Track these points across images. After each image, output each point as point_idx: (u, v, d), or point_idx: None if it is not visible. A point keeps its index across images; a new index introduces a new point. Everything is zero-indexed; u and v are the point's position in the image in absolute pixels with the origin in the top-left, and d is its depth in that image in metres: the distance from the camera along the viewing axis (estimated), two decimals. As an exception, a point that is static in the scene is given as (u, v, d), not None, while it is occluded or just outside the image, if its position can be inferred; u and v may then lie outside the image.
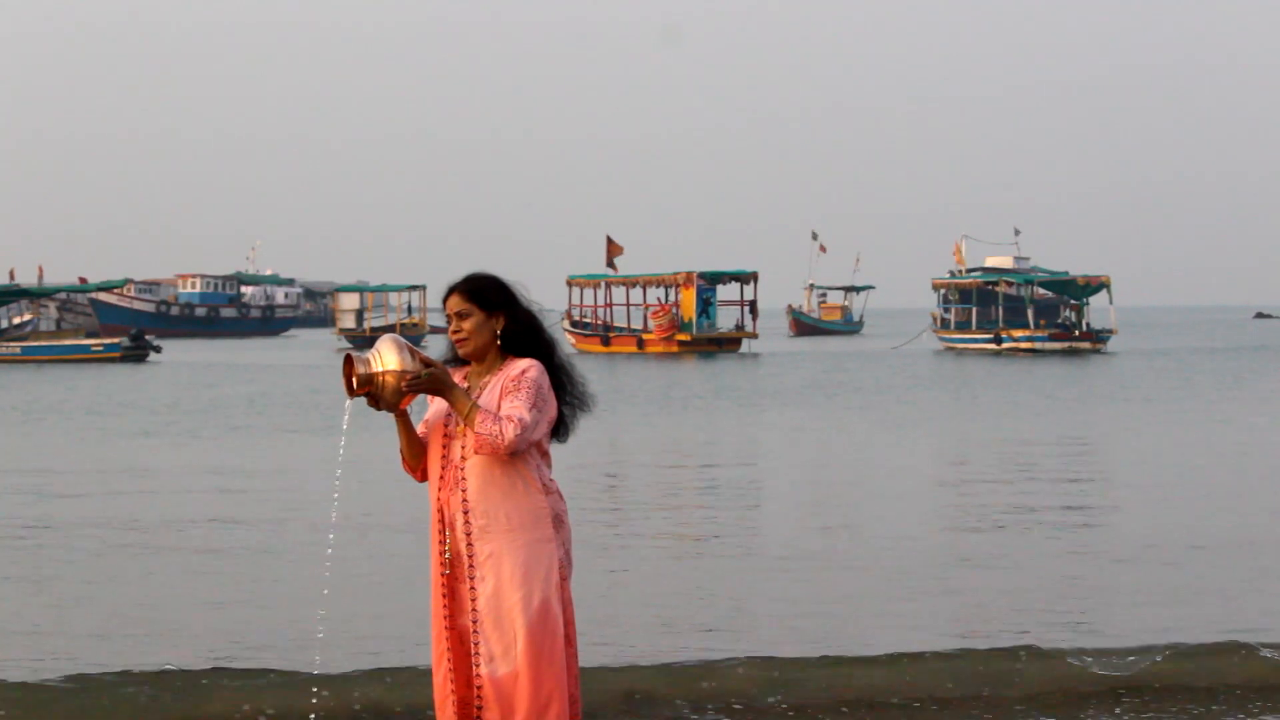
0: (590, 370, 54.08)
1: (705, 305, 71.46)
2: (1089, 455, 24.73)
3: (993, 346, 72.29)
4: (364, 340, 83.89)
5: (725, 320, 74.64)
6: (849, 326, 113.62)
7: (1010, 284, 79.54)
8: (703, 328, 71.29)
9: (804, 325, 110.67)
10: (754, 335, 72.50)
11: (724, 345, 71.37)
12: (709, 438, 28.73)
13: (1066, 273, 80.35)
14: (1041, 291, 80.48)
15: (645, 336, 72.03)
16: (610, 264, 75.02)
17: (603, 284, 74.98)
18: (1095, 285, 73.83)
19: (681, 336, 70.78)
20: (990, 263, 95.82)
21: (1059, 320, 76.29)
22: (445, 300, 6.77)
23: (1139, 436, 28.42)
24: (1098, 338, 71.79)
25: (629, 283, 74.23)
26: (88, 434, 30.50)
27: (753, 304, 72.81)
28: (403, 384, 6.54)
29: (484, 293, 6.73)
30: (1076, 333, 72.32)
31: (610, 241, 75.02)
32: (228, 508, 19.13)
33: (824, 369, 55.95)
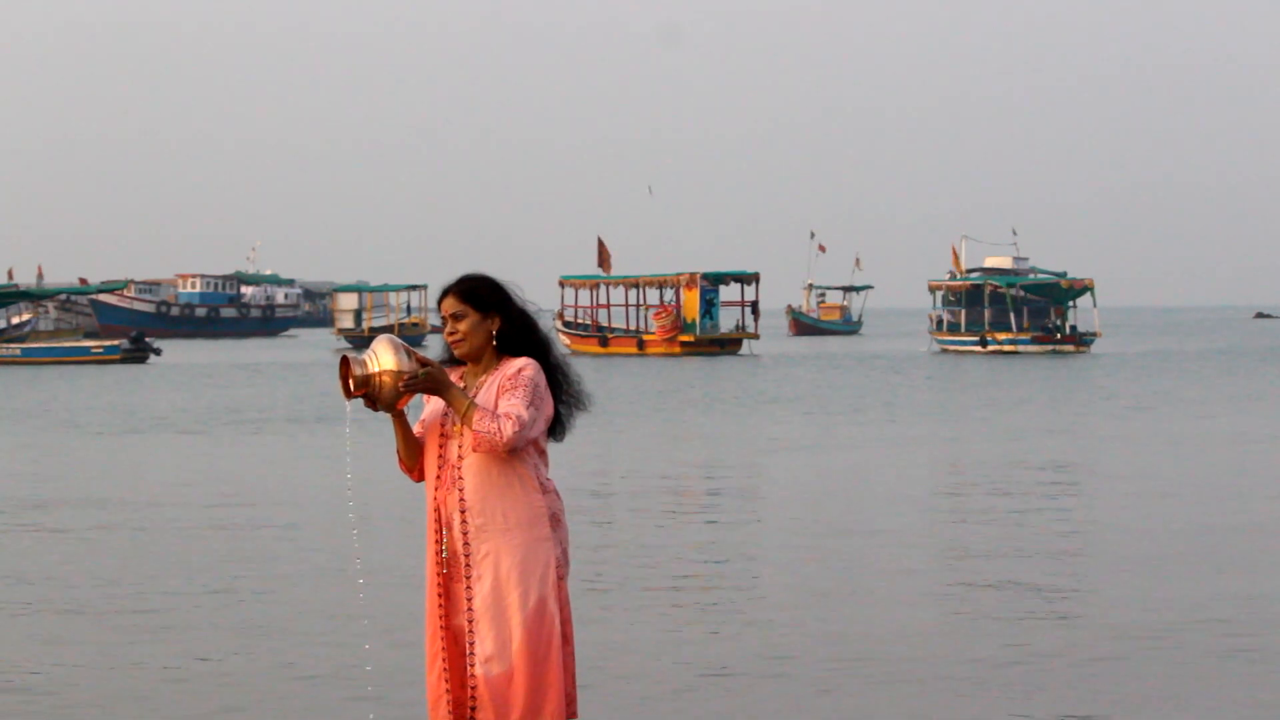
0: (593, 372, 53.70)
1: (709, 306, 71.45)
2: (1054, 473, 24.55)
3: (980, 349, 72.58)
4: (363, 340, 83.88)
5: (725, 321, 74.66)
6: (848, 326, 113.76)
7: (994, 286, 79.78)
8: (706, 329, 71.29)
9: (804, 325, 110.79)
10: (755, 336, 72.54)
11: (726, 346, 71.39)
12: (716, 452, 28.63)
13: (1065, 273, 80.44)
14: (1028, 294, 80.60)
15: (646, 337, 71.99)
16: (601, 266, 75.01)
17: (600, 284, 74.91)
18: (1079, 288, 74.22)
19: (684, 337, 70.76)
20: (989, 263, 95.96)
21: (1044, 323, 76.44)
22: (440, 302, 6.79)
23: (1100, 445, 28.33)
24: (1081, 340, 72.09)
25: (627, 283, 74.21)
26: (85, 446, 30.45)
27: (754, 305, 72.84)
28: (400, 384, 6.55)
29: (478, 293, 6.74)
30: (1059, 335, 72.63)
31: (601, 245, 75.00)
32: (239, 542, 18.97)
33: (827, 373, 55.86)
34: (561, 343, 66.90)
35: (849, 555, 15.73)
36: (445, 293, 6.77)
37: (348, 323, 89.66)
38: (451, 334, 6.76)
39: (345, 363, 6.64)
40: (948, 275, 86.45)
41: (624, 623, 12.21)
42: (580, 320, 75.57)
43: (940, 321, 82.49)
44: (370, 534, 16.76)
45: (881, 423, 32.56)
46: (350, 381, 6.62)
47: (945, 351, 74.05)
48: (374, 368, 6.60)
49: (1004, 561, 14.68)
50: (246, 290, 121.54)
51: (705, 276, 71.48)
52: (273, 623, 12.33)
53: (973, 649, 11.07)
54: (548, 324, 6.94)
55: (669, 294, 72.95)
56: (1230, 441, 27.27)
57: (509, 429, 6.54)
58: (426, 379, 6.58)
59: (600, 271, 75.15)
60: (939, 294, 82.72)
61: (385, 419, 6.72)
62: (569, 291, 75.96)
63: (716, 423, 33.08)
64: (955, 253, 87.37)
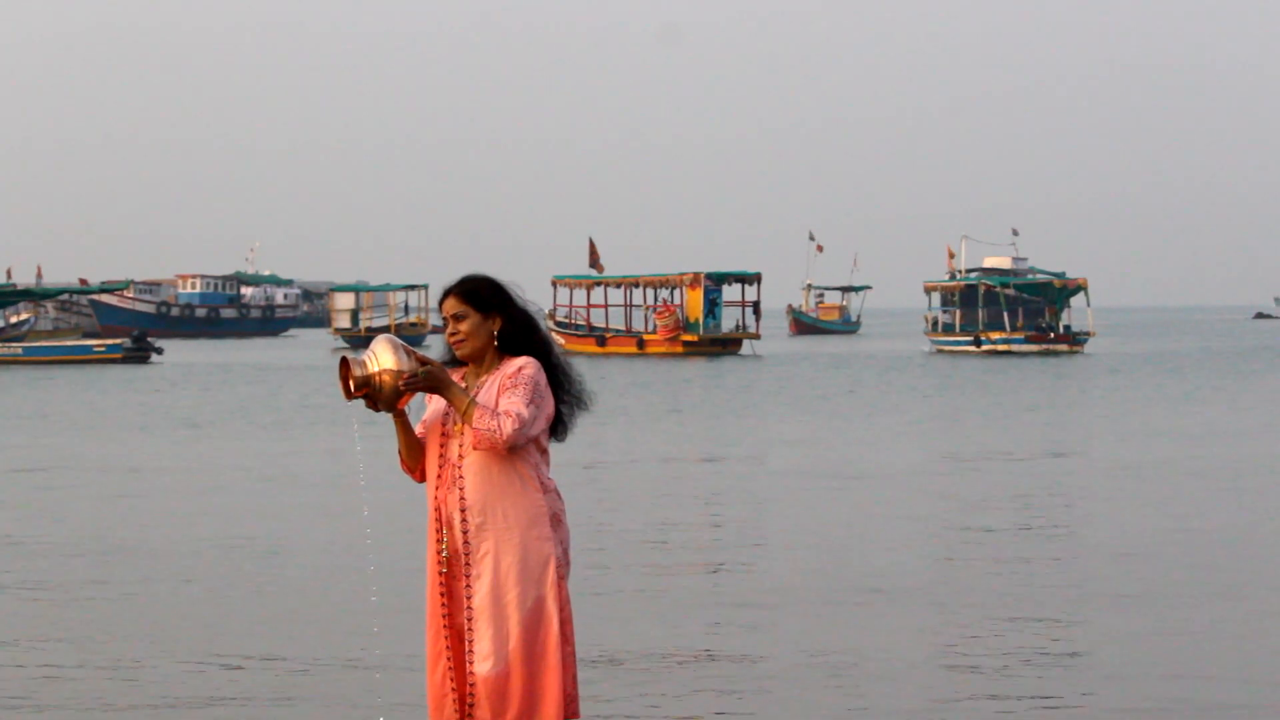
0: (597, 372, 53.41)
1: (712, 306, 71.38)
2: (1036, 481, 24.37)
3: (974, 349, 72.53)
4: (360, 340, 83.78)
5: (726, 321, 74.57)
6: (847, 326, 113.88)
7: (988, 286, 79.74)
8: (709, 328, 71.22)
9: (804, 325, 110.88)
10: (757, 336, 72.54)
11: (727, 346, 71.34)
12: (723, 455, 28.56)
13: (1064, 273, 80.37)
14: (1023, 294, 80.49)
15: (647, 337, 71.88)
16: (593, 266, 74.95)
17: (599, 284, 74.71)
18: (1072, 288, 74.17)
19: (687, 337, 70.70)
20: (989, 263, 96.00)
21: (1037, 323, 76.43)
22: (441, 303, 6.81)
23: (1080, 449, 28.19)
24: (1075, 340, 72.01)
25: (628, 283, 74.14)
26: (93, 448, 30.43)
27: (756, 305, 72.82)
28: (400, 383, 6.57)
29: (479, 294, 6.77)
30: (1053, 335, 72.59)
31: (592, 246, 74.95)
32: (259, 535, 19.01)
33: (827, 374, 55.75)
34: (557, 342, 65.95)
35: (848, 559, 15.75)
36: (446, 294, 6.79)
37: (344, 322, 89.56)
38: (453, 334, 6.78)
39: (345, 364, 6.65)
40: (947, 277, 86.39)
41: (625, 624, 12.23)
42: (574, 320, 75.43)
43: (936, 322, 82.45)
44: (374, 535, 16.78)
45: (881, 428, 32.44)
46: (350, 382, 6.66)
47: (941, 352, 73.95)
48: (374, 368, 6.62)
49: (1003, 593, 14.49)
50: (246, 290, 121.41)
51: (709, 276, 71.43)
52: (283, 620, 12.38)
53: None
54: (544, 324, 6.98)
55: (664, 294, 72.94)
56: (1220, 454, 27.05)
57: (509, 426, 6.56)
58: (426, 377, 6.60)
59: (592, 272, 75.07)
60: (935, 294, 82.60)
61: (388, 420, 6.75)
62: (562, 291, 75.88)
63: (733, 425, 32.96)
64: (950, 253, 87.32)
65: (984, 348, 72.27)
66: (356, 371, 6.63)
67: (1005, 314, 75.82)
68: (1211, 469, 23.41)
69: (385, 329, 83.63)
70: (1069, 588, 13.67)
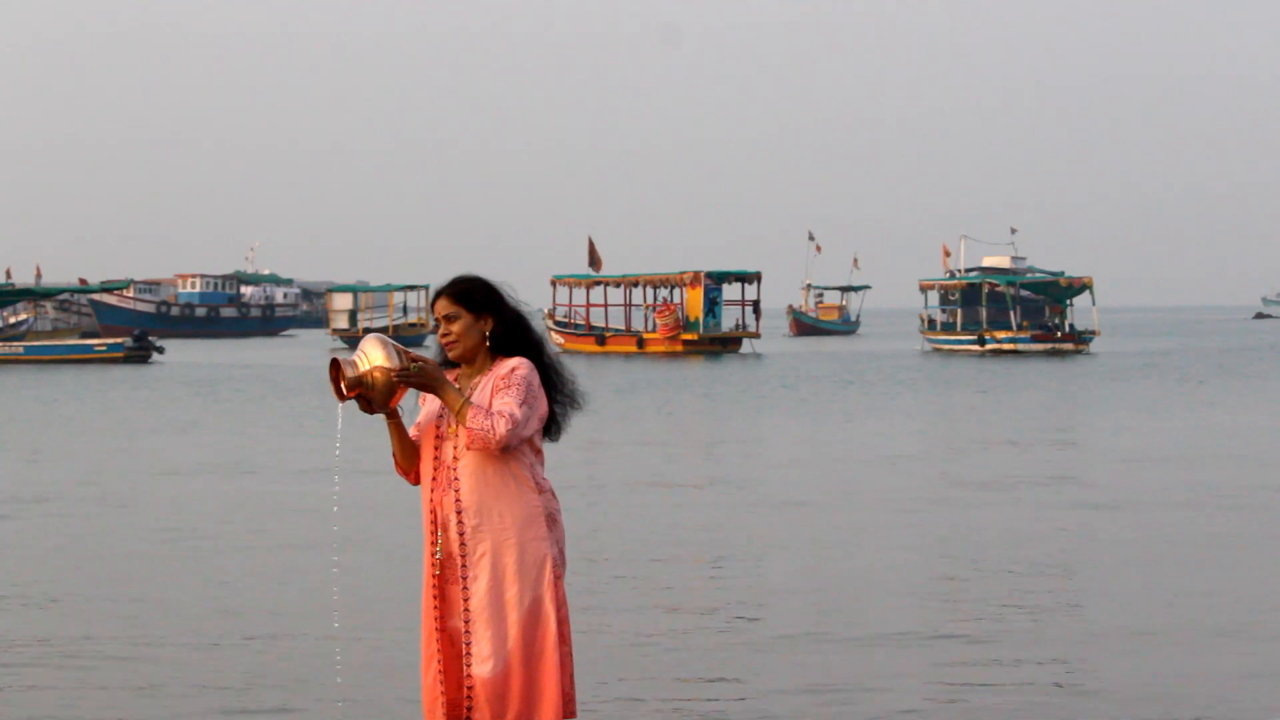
0: (598, 372, 53.02)
1: (712, 305, 71.36)
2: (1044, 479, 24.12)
3: (976, 348, 72.44)
4: (358, 340, 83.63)
5: (726, 320, 74.54)
6: (847, 326, 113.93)
7: (993, 285, 79.63)
8: (709, 327, 71.20)
9: (804, 325, 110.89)
10: (757, 335, 72.54)
11: (727, 345, 71.33)
12: (729, 454, 28.45)
13: (1063, 272, 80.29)
14: (1026, 293, 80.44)
15: (647, 336, 71.85)
16: (592, 265, 74.93)
17: (599, 283, 74.64)
18: (1078, 287, 74.12)
19: (687, 336, 70.67)
20: (988, 262, 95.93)
21: (1042, 322, 76.40)
22: (433, 304, 6.81)
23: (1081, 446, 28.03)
24: (1080, 339, 71.94)
25: (628, 282, 74.11)
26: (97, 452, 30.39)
27: (756, 304, 72.80)
28: (392, 377, 6.57)
29: (471, 295, 6.76)
30: (1059, 334, 72.53)
31: (592, 246, 74.95)
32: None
33: (829, 375, 55.65)
34: (555, 342, 66.55)
35: (849, 560, 15.70)
36: (438, 294, 6.80)
37: (342, 323, 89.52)
38: (445, 335, 6.77)
39: (336, 365, 6.62)
40: (945, 275, 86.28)
41: (623, 625, 12.21)
42: (574, 319, 75.39)
43: (931, 321, 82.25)
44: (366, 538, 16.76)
45: (883, 435, 32.07)
46: (343, 384, 6.63)
47: (937, 351, 73.79)
48: (365, 366, 6.58)
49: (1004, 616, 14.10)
50: (246, 290, 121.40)
51: (709, 275, 71.40)
52: (250, 624, 12.36)
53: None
54: (540, 324, 6.97)
55: (664, 293, 72.91)
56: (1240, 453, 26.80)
57: (502, 426, 6.56)
58: (420, 373, 6.58)
59: (592, 271, 75.03)
60: (931, 293, 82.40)
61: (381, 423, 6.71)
62: (562, 290, 75.86)
63: (731, 429, 32.86)
64: (945, 251, 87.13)
65: (988, 347, 72.13)
66: (348, 372, 6.60)
67: (1011, 313, 75.72)
68: (1227, 488, 22.17)
69: (384, 329, 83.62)
70: (1077, 630, 12.83)
